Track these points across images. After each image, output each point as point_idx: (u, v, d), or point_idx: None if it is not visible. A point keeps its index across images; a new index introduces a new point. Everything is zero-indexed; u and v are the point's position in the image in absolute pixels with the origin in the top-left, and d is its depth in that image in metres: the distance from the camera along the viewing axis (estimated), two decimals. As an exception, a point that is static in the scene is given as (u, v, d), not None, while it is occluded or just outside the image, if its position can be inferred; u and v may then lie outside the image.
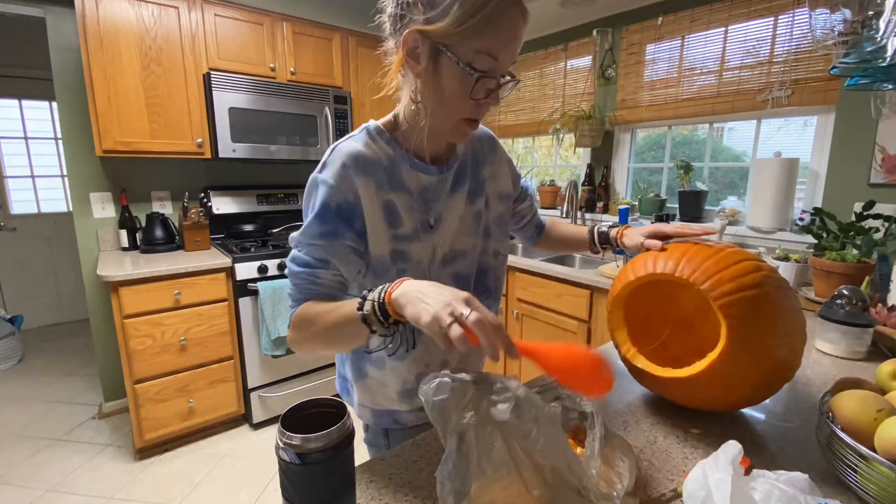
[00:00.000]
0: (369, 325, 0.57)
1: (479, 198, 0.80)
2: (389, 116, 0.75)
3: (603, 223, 0.95)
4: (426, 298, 0.51)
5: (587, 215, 2.53)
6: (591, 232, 0.95)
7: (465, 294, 0.51)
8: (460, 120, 0.66)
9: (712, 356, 0.66)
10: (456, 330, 0.47)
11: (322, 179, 0.67)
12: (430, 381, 0.46)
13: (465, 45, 0.59)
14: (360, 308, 0.57)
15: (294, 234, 0.69)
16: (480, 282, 0.84)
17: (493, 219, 0.83)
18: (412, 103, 0.68)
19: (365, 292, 0.58)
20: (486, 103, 0.65)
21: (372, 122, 0.73)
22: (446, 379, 0.45)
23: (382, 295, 0.56)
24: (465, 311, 0.48)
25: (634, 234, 0.85)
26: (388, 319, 0.55)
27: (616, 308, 0.80)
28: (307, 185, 0.70)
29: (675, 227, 0.83)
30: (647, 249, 0.79)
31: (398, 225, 0.71)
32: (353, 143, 0.70)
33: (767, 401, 0.82)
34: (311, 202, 0.68)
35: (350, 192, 0.67)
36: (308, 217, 0.68)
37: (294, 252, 0.69)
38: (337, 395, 0.60)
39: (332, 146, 0.70)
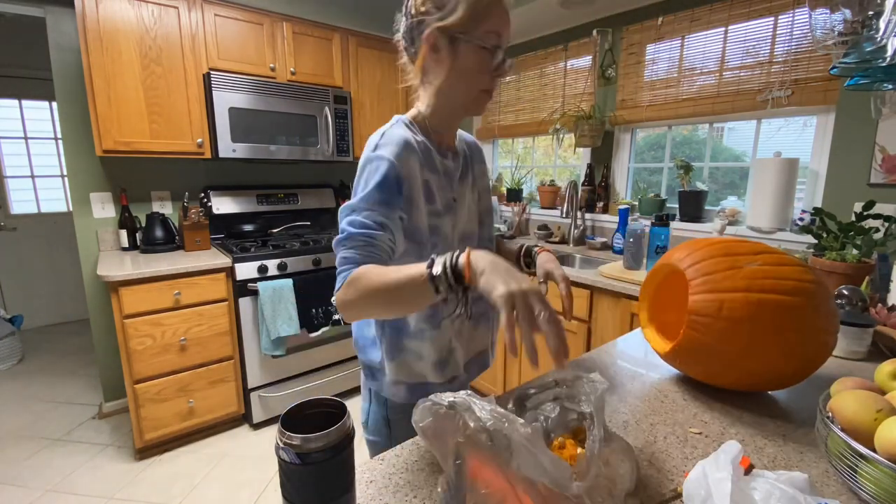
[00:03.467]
0: (437, 285, 0.58)
1: (475, 190, 0.93)
2: (413, 111, 0.84)
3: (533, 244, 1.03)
4: (504, 273, 0.54)
5: (587, 215, 2.53)
6: (521, 247, 1.01)
7: (536, 286, 0.53)
8: (479, 92, 0.78)
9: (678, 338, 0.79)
10: (528, 315, 0.51)
11: (382, 156, 0.74)
12: (417, 406, 0.48)
13: (476, 29, 0.73)
14: (430, 266, 0.58)
15: (348, 203, 0.74)
16: None
17: (484, 209, 0.96)
18: (436, 91, 0.79)
19: (432, 256, 0.60)
20: (497, 75, 0.77)
21: (401, 117, 0.83)
22: (427, 403, 0.47)
23: (457, 257, 0.57)
24: (540, 306, 0.51)
25: (543, 261, 0.94)
26: (460, 282, 0.57)
27: (643, 298, 0.95)
28: (362, 163, 0.76)
29: (562, 280, 0.89)
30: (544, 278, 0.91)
31: (433, 202, 0.81)
32: (399, 129, 0.78)
33: (767, 400, 0.82)
34: (369, 177, 0.73)
35: (404, 169, 0.74)
36: (365, 189, 0.72)
37: (351, 216, 0.71)
38: (338, 395, 0.60)
39: (380, 132, 0.78)
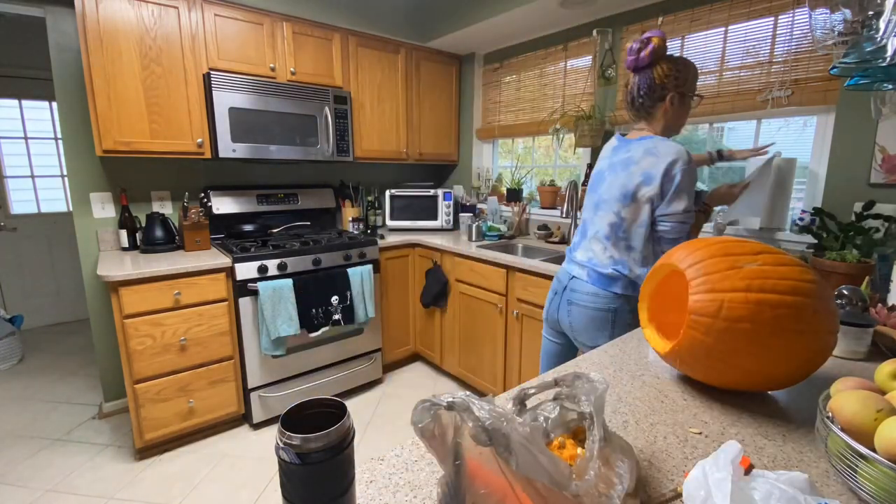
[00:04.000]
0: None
1: None
2: (648, 131, 1.33)
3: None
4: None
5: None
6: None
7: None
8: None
9: (678, 339, 0.81)
10: None
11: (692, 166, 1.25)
12: (415, 407, 0.48)
13: (693, 89, 1.30)
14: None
15: (688, 205, 1.24)
16: None
17: None
18: (665, 124, 1.31)
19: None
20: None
21: (657, 135, 1.32)
22: (426, 403, 0.47)
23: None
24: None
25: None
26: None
27: (643, 298, 0.96)
28: (686, 169, 1.21)
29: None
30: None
31: None
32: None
33: (767, 400, 0.82)
34: (692, 179, 1.24)
35: None
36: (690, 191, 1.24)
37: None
38: (338, 395, 0.60)
39: (670, 143, 1.26)
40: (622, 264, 1.31)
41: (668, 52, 1.29)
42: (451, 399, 0.47)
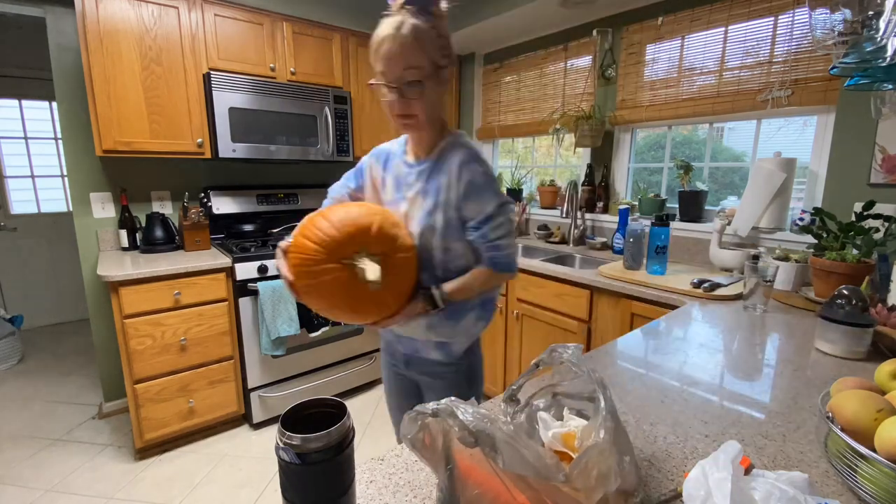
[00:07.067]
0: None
1: (429, 198, 0.97)
2: None
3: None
4: None
5: (587, 215, 2.53)
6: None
7: None
8: (393, 115, 0.97)
9: None
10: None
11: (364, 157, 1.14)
12: (403, 420, 0.49)
13: (376, 71, 0.94)
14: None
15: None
16: (426, 268, 1.00)
17: (442, 221, 0.96)
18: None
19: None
20: (390, 103, 0.96)
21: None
22: (413, 414, 0.48)
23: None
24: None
25: None
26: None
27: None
28: None
29: None
30: None
31: (383, 193, 1.07)
32: (387, 143, 1.11)
33: (767, 400, 0.82)
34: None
35: (366, 166, 1.12)
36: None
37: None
38: (338, 395, 0.60)
39: None
40: None
41: None
42: (435, 406, 0.47)
